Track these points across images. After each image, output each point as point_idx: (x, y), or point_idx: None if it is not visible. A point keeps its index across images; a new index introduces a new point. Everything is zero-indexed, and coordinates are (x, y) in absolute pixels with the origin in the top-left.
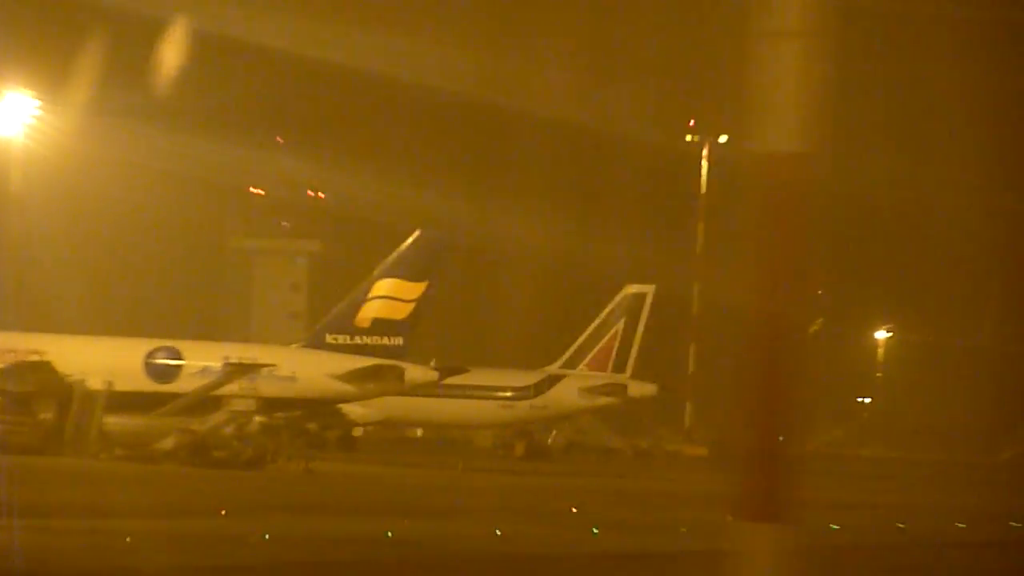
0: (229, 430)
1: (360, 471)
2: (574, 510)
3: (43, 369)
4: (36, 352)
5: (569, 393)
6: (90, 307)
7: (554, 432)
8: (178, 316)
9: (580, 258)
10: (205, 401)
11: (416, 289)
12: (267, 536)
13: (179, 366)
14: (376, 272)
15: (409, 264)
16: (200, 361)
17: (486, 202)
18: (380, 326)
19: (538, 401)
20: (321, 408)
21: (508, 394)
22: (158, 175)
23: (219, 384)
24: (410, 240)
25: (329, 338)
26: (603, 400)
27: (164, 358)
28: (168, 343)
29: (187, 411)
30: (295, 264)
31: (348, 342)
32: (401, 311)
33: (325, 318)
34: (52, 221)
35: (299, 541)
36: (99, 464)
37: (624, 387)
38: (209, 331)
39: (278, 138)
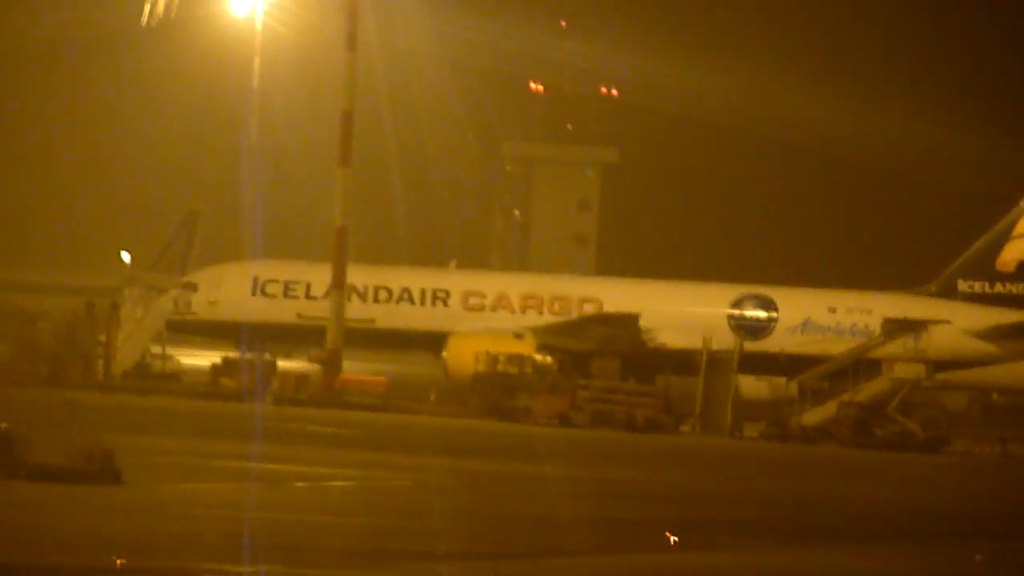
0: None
1: None
2: None
3: (620, 323)
4: (590, 299)
5: None
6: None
7: None
8: (433, 238)
9: None
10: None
11: None
12: None
13: (774, 319)
14: (1023, 204)
15: None
16: (800, 312)
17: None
18: None
19: None
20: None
21: None
22: (411, 60)
23: (875, 345)
24: None
25: (963, 285)
26: None
27: (755, 308)
28: (754, 289)
29: (826, 378)
30: (584, 177)
31: (987, 291)
32: None
33: (957, 261)
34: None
35: None
36: (764, 445)
37: None
38: (475, 257)
39: (562, 22)
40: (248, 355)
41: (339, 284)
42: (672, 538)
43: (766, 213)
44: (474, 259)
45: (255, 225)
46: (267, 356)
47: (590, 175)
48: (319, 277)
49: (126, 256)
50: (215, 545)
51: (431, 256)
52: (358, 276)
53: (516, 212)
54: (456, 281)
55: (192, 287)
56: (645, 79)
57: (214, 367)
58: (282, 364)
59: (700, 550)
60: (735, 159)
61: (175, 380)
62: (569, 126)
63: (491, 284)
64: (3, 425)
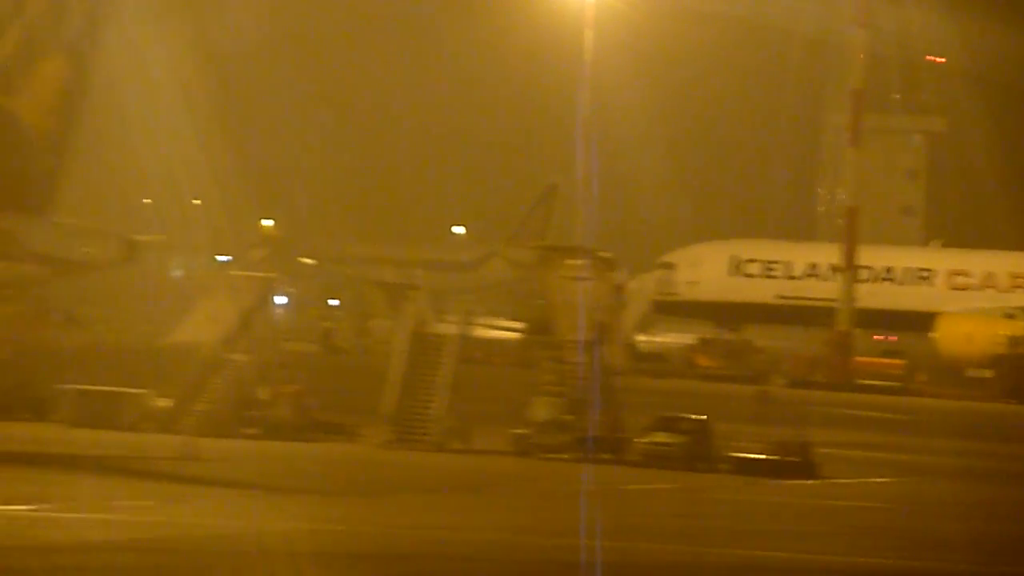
0: None
1: None
2: None
3: None
4: None
5: None
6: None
7: None
8: (760, 208)
9: None
10: None
11: None
12: None
13: None
14: None
15: None
16: None
17: None
18: None
19: None
20: None
21: None
22: (736, 28)
23: None
24: None
25: None
26: None
27: None
28: None
29: None
30: (911, 145)
31: None
32: None
33: None
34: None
35: None
36: None
37: None
38: (800, 228)
39: None
40: (728, 335)
41: (849, 265)
42: None
43: None
44: (795, 231)
45: (590, 206)
46: (747, 337)
47: (917, 144)
48: (800, 257)
49: (461, 230)
50: None
51: (755, 229)
52: (834, 254)
53: (819, 191)
54: (940, 260)
55: (670, 267)
56: (974, 46)
57: (691, 347)
58: (764, 345)
59: None
60: None
61: (663, 360)
62: (896, 95)
63: (977, 263)
64: (702, 418)
